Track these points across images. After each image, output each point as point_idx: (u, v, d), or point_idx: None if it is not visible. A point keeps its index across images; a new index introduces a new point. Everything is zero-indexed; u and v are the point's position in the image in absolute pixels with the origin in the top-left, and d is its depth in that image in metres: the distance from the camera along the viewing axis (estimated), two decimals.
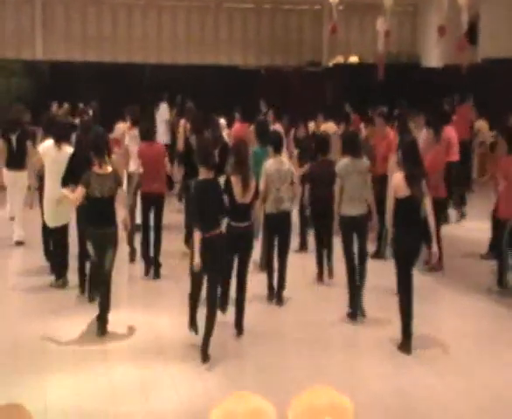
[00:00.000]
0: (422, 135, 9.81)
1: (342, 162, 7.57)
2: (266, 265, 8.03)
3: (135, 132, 9.52)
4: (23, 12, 19.49)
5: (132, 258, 9.29)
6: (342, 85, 18.15)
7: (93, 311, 7.05)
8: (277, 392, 4.87)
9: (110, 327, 6.86)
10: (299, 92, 18.12)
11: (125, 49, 20.12)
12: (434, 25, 17.66)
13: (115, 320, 7.07)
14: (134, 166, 9.30)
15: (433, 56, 19.67)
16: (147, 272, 8.69)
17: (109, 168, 6.79)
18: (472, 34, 16.97)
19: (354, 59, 20.62)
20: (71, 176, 7.26)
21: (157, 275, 8.64)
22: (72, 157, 7.62)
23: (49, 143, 8.12)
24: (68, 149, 7.93)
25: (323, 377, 5.77)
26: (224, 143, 9.64)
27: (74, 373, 6.06)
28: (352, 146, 7.67)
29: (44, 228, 8.47)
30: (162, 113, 15.47)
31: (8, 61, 18.43)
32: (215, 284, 6.28)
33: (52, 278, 8.16)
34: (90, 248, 6.82)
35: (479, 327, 7.45)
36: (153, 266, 8.69)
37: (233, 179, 6.75)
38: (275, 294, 7.90)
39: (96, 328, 6.75)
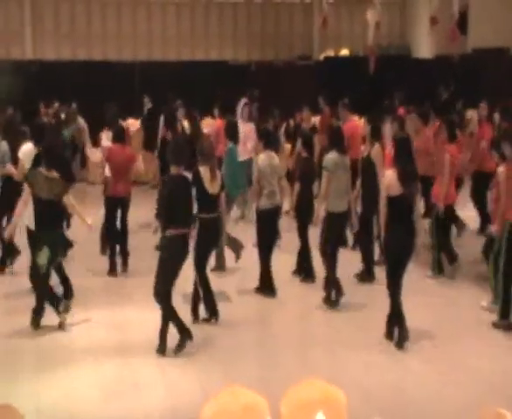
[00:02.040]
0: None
1: (330, 157, 7.55)
2: (264, 262, 7.90)
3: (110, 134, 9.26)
4: (11, 11, 19.38)
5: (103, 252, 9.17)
6: (333, 78, 18.10)
7: (77, 310, 7.11)
8: (269, 386, 4.87)
9: (95, 326, 6.90)
10: (290, 87, 18.06)
11: (115, 46, 20.04)
12: (424, 16, 17.69)
13: (97, 317, 7.09)
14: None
15: (424, 47, 19.66)
16: (113, 268, 8.60)
17: (55, 174, 6.83)
18: (462, 24, 16.97)
19: (345, 52, 20.60)
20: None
21: (125, 265, 8.63)
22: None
23: (28, 147, 7.99)
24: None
25: (315, 371, 5.76)
26: (202, 136, 9.83)
27: (63, 371, 6.04)
28: (338, 141, 7.66)
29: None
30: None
31: None
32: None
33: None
34: (44, 255, 6.75)
35: (464, 315, 7.46)
36: (121, 260, 8.66)
37: (201, 169, 6.89)
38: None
39: (30, 320, 6.82)
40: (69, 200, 6.98)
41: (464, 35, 17.38)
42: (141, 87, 17.42)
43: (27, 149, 8.03)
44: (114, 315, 7.37)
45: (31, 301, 6.94)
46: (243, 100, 13.25)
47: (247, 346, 6.66)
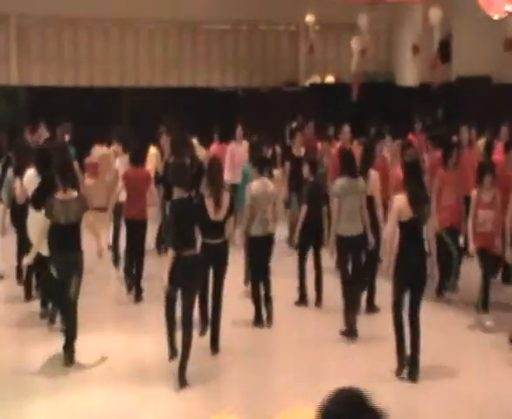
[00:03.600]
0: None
1: (339, 182, 7.56)
2: (253, 290, 7.92)
3: (126, 157, 9.24)
4: None
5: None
6: (319, 105, 18.26)
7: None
8: (259, 412, 4.85)
9: (89, 351, 6.81)
10: (276, 113, 18.18)
11: (102, 71, 20.09)
12: (408, 44, 17.90)
13: (93, 343, 7.03)
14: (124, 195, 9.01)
15: (408, 75, 19.88)
16: (130, 289, 8.62)
17: (74, 194, 6.68)
18: (445, 52, 17.19)
19: (330, 79, 20.78)
20: (40, 199, 7.14)
21: (138, 299, 8.62)
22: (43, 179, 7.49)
23: (31, 172, 7.96)
24: None
25: (306, 398, 5.75)
26: (200, 163, 9.71)
27: (53, 398, 5.99)
28: (349, 165, 7.65)
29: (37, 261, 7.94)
30: None
31: None
32: (189, 303, 6.25)
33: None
34: (54, 273, 6.69)
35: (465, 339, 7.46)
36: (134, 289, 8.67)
37: (206, 198, 6.84)
38: (267, 317, 7.82)
39: (62, 358, 6.58)
40: (89, 218, 6.78)
41: (448, 63, 17.60)
42: (127, 113, 17.49)
43: (30, 175, 8.01)
44: (112, 342, 7.35)
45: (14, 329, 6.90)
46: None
47: (236, 370, 6.64)
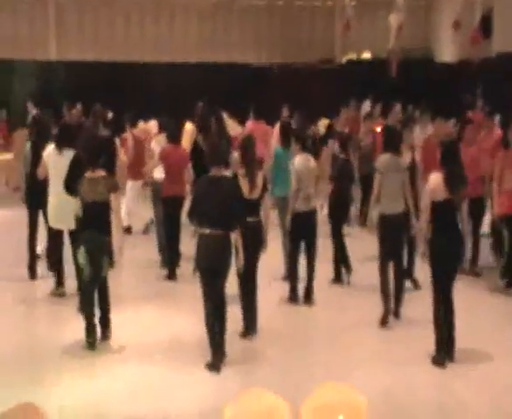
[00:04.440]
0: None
1: (382, 158, 7.38)
2: (290, 268, 7.84)
3: (162, 137, 9.22)
4: (36, 14, 19.60)
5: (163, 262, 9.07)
6: (356, 82, 18.06)
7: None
8: (290, 389, 4.85)
9: (123, 327, 6.88)
10: (312, 89, 18.06)
11: (137, 49, 20.17)
12: (448, 20, 17.58)
13: (129, 319, 7.11)
14: (159, 173, 8.99)
15: (447, 51, 19.54)
16: (171, 274, 8.65)
17: (101, 173, 6.57)
18: (486, 28, 16.83)
19: (367, 56, 20.54)
20: (72, 180, 6.95)
21: (174, 277, 8.64)
22: (75, 161, 7.34)
23: (50, 148, 7.92)
24: (68, 153, 7.58)
25: (337, 376, 5.74)
26: (228, 137, 9.67)
27: (88, 373, 6.08)
28: (393, 142, 7.44)
29: (51, 235, 8.07)
30: None
31: (21, 62, 18.54)
32: (214, 284, 6.10)
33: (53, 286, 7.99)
34: (81, 255, 6.47)
35: (490, 325, 7.35)
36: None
37: (240, 177, 6.71)
38: (304, 295, 7.79)
39: (100, 333, 6.60)
40: (115, 201, 6.54)
41: (488, 39, 17.23)
42: (162, 89, 17.56)
43: (50, 150, 8.04)
44: (143, 317, 7.39)
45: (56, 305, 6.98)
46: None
47: (269, 350, 6.65)
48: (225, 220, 6.07)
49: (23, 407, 3.49)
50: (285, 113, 11.88)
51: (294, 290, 7.80)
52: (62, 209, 7.54)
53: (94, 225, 6.40)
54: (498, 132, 9.60)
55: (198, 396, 5.68)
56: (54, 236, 8.01)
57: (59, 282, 7.96)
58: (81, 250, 6.44)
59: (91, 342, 6.46)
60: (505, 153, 8.32)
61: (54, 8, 19.76)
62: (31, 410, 3.47)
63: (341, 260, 8.53)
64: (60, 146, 7.74)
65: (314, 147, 8.51)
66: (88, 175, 6.54)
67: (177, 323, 7.24)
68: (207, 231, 6.02)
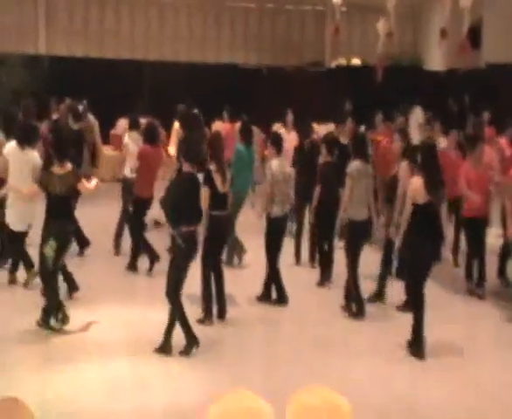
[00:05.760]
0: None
1: (354, 164, 7.54)
2: (272, 269, 7.87)
3: (135, 134, 9.30)
4: (25, 6, 19.47)
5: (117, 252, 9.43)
6: (344, 87, 18.13)
7: (79, 305, 7.24)
8: (274, 391, 4.88)
9: (104, 322, 6.95)
10: (300, 93, 18.08)
11: (127, 45, 20.11)
12: (437, 28, 17.64)
13: (107, 315, 7.19)
14: (129, 170, 9.04)
15: (436, 59, 19.65)
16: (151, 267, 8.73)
17: (69, 166, 6.82)
18: (475, 38, 16.92)
19: (356, 61, 20.61)
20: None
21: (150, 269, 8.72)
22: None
23: (12, 144, 7.84)
24: (30, 152, 7.67)
25: (321, 378, 5.77)
26: (204, 135, 10.09)
27: (68, 369, 6.07)
28: (363, 149, 7.67)
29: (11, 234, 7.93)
30: None
31: (9, 55, 18.40)
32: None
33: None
34: (50, 248, 6.68)
35: (475, 331, 7.44)
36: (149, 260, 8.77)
37: (213, 169, 7.05)
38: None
39: (40, 318, 6.74)
40: (83, 186, 6.94)
41: (477, 49, 17.32)
42: (150, 87, 17.51)
43: (11, 147, 7.86)
44: (122, 313, 7.41)
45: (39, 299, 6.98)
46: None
47: (254, 348, 6.68)
48: (198, 216, 6.54)
49: (7, 402, 3.48)
50: (289, 117, 11.75)
51: (277, 290, 7.85)
52: (25, 209, 7.61)
53: (62, 216, 6.77)
54: (503, 144, 9.57)
55: (177, 392, 5.70)
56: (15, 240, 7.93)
57: (14, 269, 8.07)
58: (51, 243, 6.67)
59: (62, 319, 6.72)
60: None
61: (44, 3, 19.64)
62: (15, 405, 3.47)
63: (325, 264, 8.59)
64: (22, 144, 7.68)
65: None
66: (56, 169, 6.73)
67: (156, 318, 7.24)
68: (190, 228, 6.32)
